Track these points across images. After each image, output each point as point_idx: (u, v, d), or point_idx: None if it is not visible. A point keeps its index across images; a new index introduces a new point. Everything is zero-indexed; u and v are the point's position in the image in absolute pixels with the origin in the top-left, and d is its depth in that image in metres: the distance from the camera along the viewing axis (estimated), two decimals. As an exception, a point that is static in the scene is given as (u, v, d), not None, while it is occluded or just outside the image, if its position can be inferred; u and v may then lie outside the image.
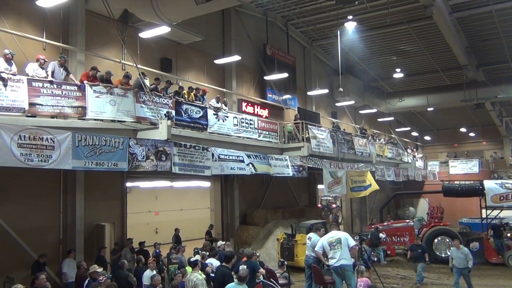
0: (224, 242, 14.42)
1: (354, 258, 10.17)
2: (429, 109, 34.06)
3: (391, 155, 27.87)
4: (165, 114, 12.18)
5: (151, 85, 13.07)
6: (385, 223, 20.97)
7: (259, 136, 17.18)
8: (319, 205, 26.92)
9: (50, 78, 10.48)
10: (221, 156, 13.75)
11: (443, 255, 17.40)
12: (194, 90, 15.25)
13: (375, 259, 17.75)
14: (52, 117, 10.30)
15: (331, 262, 9.89)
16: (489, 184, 18.74)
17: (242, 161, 14.74)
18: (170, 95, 13.58)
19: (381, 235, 18.24)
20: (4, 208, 11.09)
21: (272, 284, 10.54)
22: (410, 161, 30.66)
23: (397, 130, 38.74)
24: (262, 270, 10.23)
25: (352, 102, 28.82)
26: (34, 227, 11.65)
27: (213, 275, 10.33)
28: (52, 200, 12.26)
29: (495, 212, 18.76)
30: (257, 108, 20.43)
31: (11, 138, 8.46)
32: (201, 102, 15.07)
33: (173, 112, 13.01)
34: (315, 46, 26.52)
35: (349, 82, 27.61)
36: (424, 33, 23.83)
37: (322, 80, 27.00)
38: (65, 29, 12.99)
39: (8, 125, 8.63)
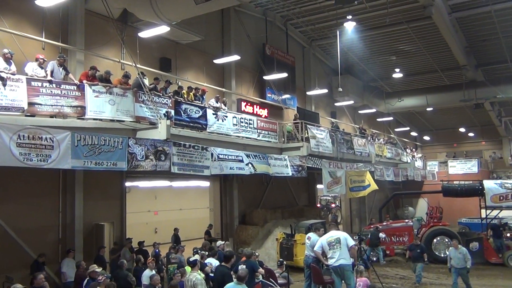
0: (223, 242, 14.41)
1: (353, 258, 10.18)
2: (428, 109, 34.09)
3: (390, 155, 27.88)
4: (164, 114, 12.18)
5: (150, 85, 13.06)
6: (384, 223, 20.97)
7: (258, 136, 17.17)
8: (318, 205, 26.91)
9: (49, 78, 10.46)
10: (220, 156, 13.75)
11: (442, 255, 17.41)
12: (193, 90, 15.25)
13: (374, 259, 17.76)
14: (51, 116, 10.29)
15: (330, 262, 9.90)
16: (488, 184, 18.76)
17: (241, 161, 14.75)
18: (169, 94, 13.57)
19: (381, 234, 18.25)
20: (3, 208, 11.08)
21: (271, 284, 10.54)
22: (409, 161, 30.67)
23: (396, 130, 38.77)
24: (261, 270, 10.23)
25: (352, 102, 28.83)
26: (33, 226, 11.65)
27: (212, 275, 10.33)
28: (51, 200, 12.26)
29: (494, 212, 18.76)
30: (257, 108, 20.43)
31: (10, 138, 8.46)
32: (200, 102, 15.06)
33: (172, 111, 13.00)
34: (314, 46, 26.53)
35: (348, 82, 27.61)
36: (424, 33, 23.84)
37: (322, 80, 27.00)
38: (64, 28, 12.98)
39: (7, 125, 8.63)
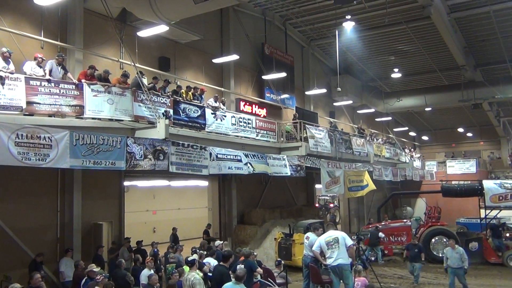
0: (222, 242, 14.42)
1: (352, 258, 10.19)
2: (427, 109, 34.13)
3: (389, 155, 27.90)
4: (163, 113, 12.19)
5: (149, 84, 13.06)
6: (382, 223, 21.01)
7: (257, 135, 17.16)
8: (317, 205, 26.92)
9: (47, 77, 10.44)
10: (218, 156, 13.76)
11: (440, 255, 17.38)
12: (192, 89, 15.24)
13: (373, 258, 17.81)
14: (50, 115, 10.28)
15: (329, 261, 9.92)
16: (488, 184, 18.77)
17: (240, 161, 14.75)
18: (168, 94, 13.56)
19: (380, 234, 18.29)
20: (1, 207, 11.07)
21: (269, 283, 10.55)
22: (407, 161, 30.70)
23: (395, 130, 38.81)
24: (259, 270, 10.24)
25: (350, 102, 28.85)
26: (31, 226, 11.64)
27: (210, 274, 10.33)
28: (49, 199, 12.25)
29: (494, 212, 18.77)
30: (255, 107, 20.41)
31: (9, 137, 8.46)
32: (199, 101, 15.06)
33: (171, 111, 13.00)
34: (313, 45, 26.52)
35: (347, 82, 27.62)
36: (422, 33, 23.85)
37: (320, 80, 27.01)
38: (63, 27, 12.96)
39: (5, 124, 8.61)
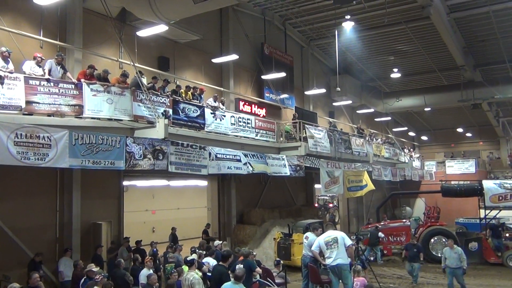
0: (221, 242, 14.42)
1: (351, 258, 10.20)
2: (426, 109, 34.14)
3: (388, 155, 27.90)
4: (162, 113, 12.19)
5: (148, 84, 13.06)
6: (381, 223, 21.02)
7: (256, 135, 17.16)
8: (316, 205, 26.91)
9: (47, 76, 10.43)
10: (218, 155, 13.76)
11: (439, 255, 17.34)
12: (191, 89, 15.24)
13: (372, 258, 17.82)
14: (49, 115, 10.27)
15: (328, 261, 9.92)
16: (488, 184, 18.76)
17: (239, 161, 14.75)
18: (168, 94, 13.55)
19: (380, 234, 18.30)
20: (0, 207, 11.06)
21: (268, 283, 10.55)
22: (407, 161, 30.71)
23: (394, 130, 38.82)
24: (258, 270, 10.24)
25: (350, 101, 28.86)
26: (30, 225, 11.64)
27: (210, 274, 10.33)
28: (48, 199, 12.24)
29: (493, 212, 18.77)
30: (255, 107, 20.42)
31: (8, 136, 8.45)
32: (198, 101, 15.06)
33: (171, 111, 12.99)
34: (312, 45, 26.52)
35: (346, 82, 27.62)
36: (422, 33, 23.85)
37: (320, 80, 27.02)
38: (62, 27, 12.96)
39: (4, 123, 8.61)
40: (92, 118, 11.04)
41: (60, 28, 12.90)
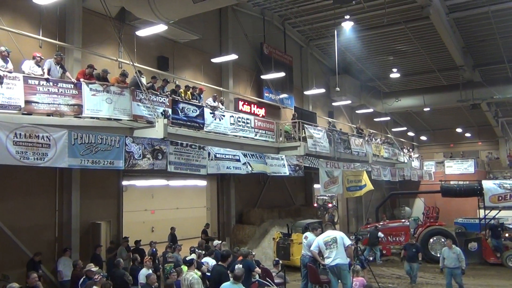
0: (220, 241, 14.42)
1: (350, 258, 10.20)
2: (425, 109, 34.13)
3: (387, 155, 27.93)
4: (161, 113, 12.18)
5: (147, 84, 13.05)
6: (381, 223, 21.03)
7: (255, 135, 17.16)
8: (315, 205, 26.93)
9: (46, 76, 10.43)
10: (217, 155, 13.75)
11: (439, 255, 17.38)
12: (190, 89, 15.23)
13: (371, 258, 17.83)
14: (48, 115, 10.26)
15: (327, 261, 9.93)
16: (487, 184, 18.73)
17: (238, 160, 14.75)
18: (167, 93, 13.55)
19: (380, 234, 18.31)
20: (-1, 206, 11.07)
21: (267, 283, 10.55)
22: (406, 161, 30.73)
23: (393, 130, 38.81)
24: (257, 269, 10.25)
25: (349, 101, 28.87)
26: (29, 225, 11.63)
27: (209, 274, 10.33)
28: (47, 198, 12.24)
29: (493, 213, 18.76)
30: (254, 107, 20.44)
31: (7, 136, 8.44)
32: (197, 101, 15.05)
33: (170, 110, 12.99)
34: (312, 45, 26.53)
35: (345, 82, 27.62)
36: (421, 33, 23.87)
37: (319, 80, 27.03)
38: (61, 26, 12.95)
39: (3, 123, 8.60)
40: (91, 117, 11.04)
41: (59, 28, 12.89)
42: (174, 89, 14.38)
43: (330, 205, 28.73)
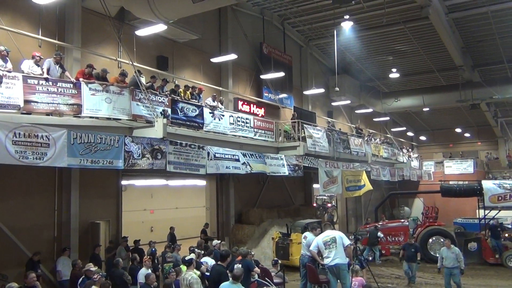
0: (219, 241, 14.42)
1: (349, 258, 10.20)
2: (424, 109, 34.13)
3: (387, 155, 27.94)
4: (161, 112, 12.18)
5: (147, 83, 13.05)
6: (380, 223, 21.05)
7: (255, 135, 17.15)
8: (315, 204, 26.93)
9: (45, 75, 10.42)
10: (216, 155, 13.75)
11: (438, 255, 17.41)
12: (190, 89, 15.21)
13: (370, 258, 17.85)
14: (47, 114, 10.25)
15: (326, 261, 9.93)
16: (487, 184, 18.72)
17: (238, 160, 14.75)
18: (166, 93, 13.55)
19: (379, 234, 18.32)
20: (-2, 206, 11.06)
21: (266, 283, 10.55)
22: (405, 161, 30.75)
23: (392, 130, 38.81)
24: (257, 269, 10.25)
25: (348, 101, 28.87)
26: (28, 225, 11.63)
27: (208, 274, 10.33)
28: (46, 198, 12.24)
29: (493, 213, 18.76)
30: (253, 107, 20.44)
31: (6, 135, 8.43)
32: (197, 101, 15.04)
33: (169, 110, 12.98)
34: (311, 45, 26.53)
35: (345, 82, 27.62)
36: (420, 33, 23.88)
37: (318, 80, 27.03)
38: (61, 26, 12.95)
39: (3, 122, 8.59)
40: (91, 117, 11.03)
41: (58, 27, 12.89)
42: (173, 89, 14.37)
43: (329, 205, 28.73)
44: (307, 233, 11.95)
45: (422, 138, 46.78)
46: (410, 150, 37.85)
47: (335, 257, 9.80)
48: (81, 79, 11.03)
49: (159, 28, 13.86)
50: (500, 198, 17.92)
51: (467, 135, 44.63)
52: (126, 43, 14.13)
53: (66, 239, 12.30)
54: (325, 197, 28.42)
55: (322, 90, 25.16)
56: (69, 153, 9.45)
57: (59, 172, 12.26)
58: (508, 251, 17.28)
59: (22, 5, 11.98)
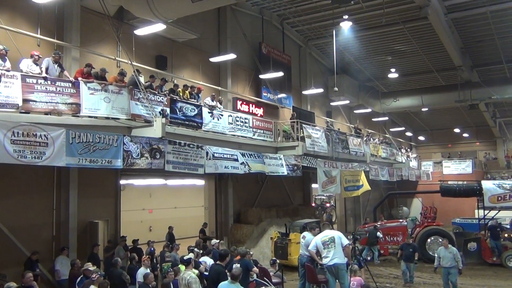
0: (218, 241, 14.42)
1: (347, 257, 10.21)
2: (423, 109, 34.16)
3: (385, 155, 27.97)
4: (159, 112, 12.17)
5: (146, 83, 13.04)
6: (378, 223, 21.06)
7: (253, 134, 17.17)
8: (313, 204, 26.96)
9: (44, 75, 10.43)
10: (215, 155, 13.75)
11: (436, 255, 17.46)
12: (189, 88, 15.21)
13: (369, 258, 17.86)
14: (46, 113, 10.25)
15: (325, 261, 9.93)
16: (487, 184, 18.73)
17: (237, 160, 14.74)
18: (165, 92, 13.55)
19: (378, 234, 18.34)
20: (-4, 205, 11.04)
21: (265, 282, 10.56)
22: (404, 161, 30.79)
23: (391, 130, 38.86)
24: (255, 269, 10.24)
25: (347, 101, 28.86)
26: (27, 224, 11.61)
27: (206, 273, 10.33)
28: (45, 197, 12.21)
29: (492, 213, 18.76)
30: (252, 106, 20.43)
31: (5, 135, 8.43)
32: (196, 100, 15.04)
33: (168, 110, 13.00)
34: (310, 45, 26.53)
35: (344, 82, 27.61)
36: (419, 33, 23.90)
37: (317, 79, 27.03)
38: (60, 25, 12.93)
39: (1, 122, 8.58)
40: (89, 116, 11.04)
41: (57, 26, 12.87)
42: (172, 88, 14.37)
43: (328, 204, 28.74)
44: (305, 233, 11.95)
45: (421, 138, 46.84)
46: (408, 150, 37.88)
47: (333, 257, 9.81)
48: (79, 78, 11.04)
49: (158, 27, 13.83)
50: (499, 198, 17.92)
51: (465, 135, 44.68)
52: (125, 43, 14.12)
53: (65, 239, 12.29)
54: (324, 197, 28.45)
55: (321, 90, 25.17)
56: (68, 152, 9.44)
57: (58, 172, 12.24)
58: (507, 251, 17.29)
59: (21, 4, 11.97)
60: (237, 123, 16.30)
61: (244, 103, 20.02)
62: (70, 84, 10.77)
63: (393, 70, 28.40)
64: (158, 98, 12.90)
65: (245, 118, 16.92)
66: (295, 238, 15.64)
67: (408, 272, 14.13)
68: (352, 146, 22.73)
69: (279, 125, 19.14)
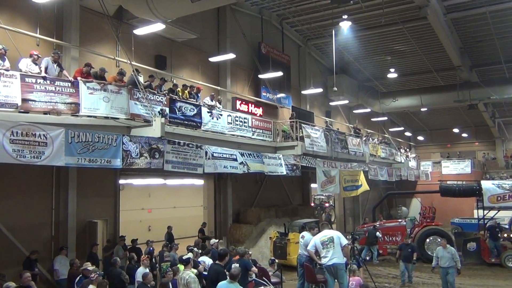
0: (217, 240, 14.42)
1: (346, 257, 10.21)
2: (422, 109, 34.20)
3: (384, 155, 27.98)
4: (159, 112, 12.16)
5: (145, 82, 13.04)
6: (377, 223, 21.07)
7: (253, 134, 17.17)
8: (312, 204, 26.97)
9: (43, 74, 10.42)
10: (214, 154, 13.74)
11: (434, 255, 17.47)
12: (188, 88, 15.22)
13: (368, 258, 17.87)
14: (45, 113, 10.24)
15: (324, 261, 9.94)
16: (486, 184, 18.72)
17: (236, 160, 14.74)
18: (164, 92, 13.55)
19: (378, 233, 18.35)
20: (-5, 205, 11.04)
21: (264, 282, 10.56)
22: (403, 161, 30.80)
23: (390, 130, 38.87)
24: (254, 269, 10.25)
25: (346, 101, 28.85)
26: (26, 224, 11.61)
27: (205, 273, 10.33)
28: (44, 197, 12.21)
29: (491, 213, 18.75)
30: (251, 106, 20.43)
31: (3, 134, 8.42)
32: (195, 100, 15.04)
33: (167, 109, 12.99)
34: (310, 45, 26.55)
35: (343, 82, 27.62)
36: (419, 33, 23.92)
37: (317, 79, 27.04)
38: (59, 25, 12.93)
39: (0, 121, 8.58)
40: (89, 116, 11.04)
41: (56, 26, 12.86)
42: (171, 88, 14.37)
43: (327, 204, 28.76)
44: (304, 233, 11.95)
45: (420, 138, 46.87)
46: (408, 150, 37.89)
47: (332, 257, 9.81)
48: (79, 78, 11.03)
49: (158, 27, 13.82)
50: (499, 198, 17.90)
51: (464, 135, 44.72)
52: (124, 42, 14.12)
53: (64, 238, 12.29)
54: (323, 197, 28.47)
55: (320, 90, 25.20)
56: (67, 152, 9.44)
57: (57, 171, 12.24)
58: (507, 251, 17.30)
59: (20, 4, 11.97)
60: (236, 123, 16.30)
61: (243, 102, 20.02)
62: (69, 84, 10.76)
63: (392, 70, 28.41)
64: (158, 97, 12.90)
65: (244, 118, 16.91)
66: (294, 238, 15.64)
67: (406, 272, 14.14)
68: (351, 146, 22.74)
69: (278, 125, 19.14)
